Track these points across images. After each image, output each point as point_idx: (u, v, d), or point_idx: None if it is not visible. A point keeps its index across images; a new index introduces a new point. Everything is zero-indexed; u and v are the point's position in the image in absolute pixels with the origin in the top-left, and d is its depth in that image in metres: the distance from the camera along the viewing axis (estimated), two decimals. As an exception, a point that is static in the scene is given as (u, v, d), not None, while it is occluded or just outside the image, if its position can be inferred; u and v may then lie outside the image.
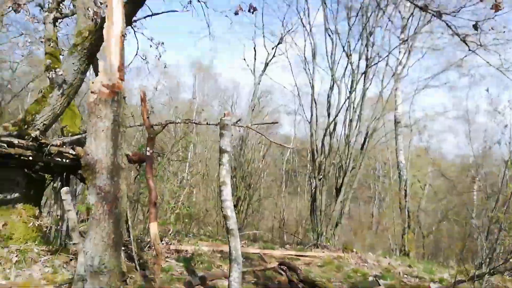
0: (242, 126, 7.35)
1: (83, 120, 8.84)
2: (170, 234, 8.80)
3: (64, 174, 7.05)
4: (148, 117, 6.05)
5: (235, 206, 14.64)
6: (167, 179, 10.02)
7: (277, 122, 7.26)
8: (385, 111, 16.40)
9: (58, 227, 7.19)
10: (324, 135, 15.40)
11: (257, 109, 20.42)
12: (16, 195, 6.49)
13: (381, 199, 25.07)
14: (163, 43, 10.59)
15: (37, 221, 6.70)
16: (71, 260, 6.62)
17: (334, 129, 15.62)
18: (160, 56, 10.90)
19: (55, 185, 7.25)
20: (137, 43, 11.92)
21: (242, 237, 11.09)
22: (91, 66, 7.06)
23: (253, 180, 18.81)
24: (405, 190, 17.01)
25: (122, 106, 2.56)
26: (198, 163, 19.96)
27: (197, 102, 27.82)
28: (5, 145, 5.63)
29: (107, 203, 2.63)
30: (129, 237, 7.59)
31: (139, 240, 8.32)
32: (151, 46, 10.58)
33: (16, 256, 6.13)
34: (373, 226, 21.97)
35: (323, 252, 11.33)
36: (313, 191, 14.93)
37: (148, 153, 6.03)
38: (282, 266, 8.69)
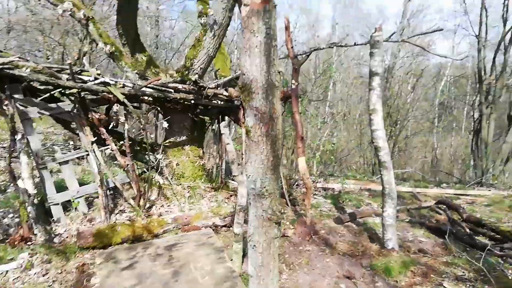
0: (396, 41, 6.61)
1: (232, 62, 9.25)
2: (316, 172, 8.91)
3: (220, 116, 7.68)
4: (292, 47, 5.88)
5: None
6: (310, 116, 9.95)
7: (441, 29, 6.14)
8: None
9: (218, 167, 8.00)
10: (497, 50, 12.67)
11: (406, 31, 18.10)
12: (184, 137, 7.43)
13: None
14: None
15: (202, 161, 7.61)
16: (230, 196, 7.42)
17: (511, 41, 12.77)
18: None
19: (213, 127, 8.02)
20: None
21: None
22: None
23: (401, 115, 17.18)
24: None
25: (273, 17, 2.44)
26: (338, 103, 19.17)
27: (337, 34, 26.11)
28: (172, 90, 6.34)
29: (264, 124, 2.62)
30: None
31: (289, 178, 8.69)
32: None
33: (187, 192, 7.17)
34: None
35: (489, 190, 9.88)
36: (477, 121, 12.77)
37: (293, 86, 5.98)
38: (440, 205, 7.94)
